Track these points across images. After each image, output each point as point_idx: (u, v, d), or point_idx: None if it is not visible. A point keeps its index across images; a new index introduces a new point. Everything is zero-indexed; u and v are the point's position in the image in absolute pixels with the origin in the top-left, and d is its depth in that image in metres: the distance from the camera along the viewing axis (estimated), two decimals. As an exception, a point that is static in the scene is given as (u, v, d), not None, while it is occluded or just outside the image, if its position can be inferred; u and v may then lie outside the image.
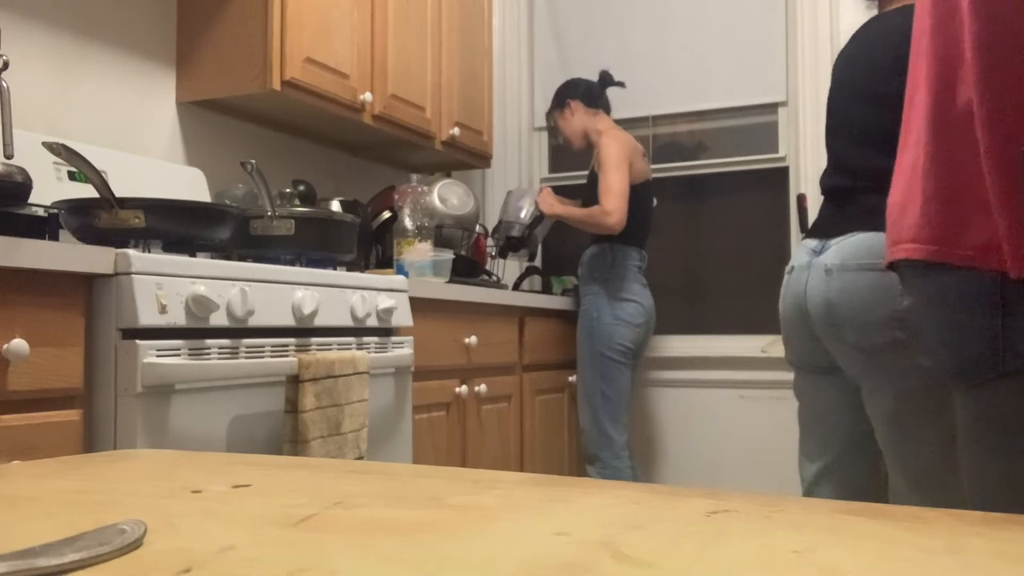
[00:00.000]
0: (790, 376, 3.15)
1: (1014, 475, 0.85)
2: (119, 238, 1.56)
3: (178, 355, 1.46)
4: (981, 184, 0.84)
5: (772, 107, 3.32)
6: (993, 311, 0.83)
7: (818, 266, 1.56)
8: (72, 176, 1.97)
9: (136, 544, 0.39)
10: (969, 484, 0.90)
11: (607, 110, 2.99)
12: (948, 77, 0.89)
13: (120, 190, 1.66)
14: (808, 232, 1.66)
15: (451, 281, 2.50)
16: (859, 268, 1.52)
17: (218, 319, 1.53)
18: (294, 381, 1.64)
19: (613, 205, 2.65)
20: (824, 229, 1.60)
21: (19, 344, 1.25)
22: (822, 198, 1.70)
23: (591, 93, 2.96)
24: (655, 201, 3.00)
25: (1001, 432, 0.85)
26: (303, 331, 1.77)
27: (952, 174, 0.89)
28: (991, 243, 0.83)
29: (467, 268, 2.82)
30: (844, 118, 1.65)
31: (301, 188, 2.47)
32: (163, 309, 1.43)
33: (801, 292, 1.59)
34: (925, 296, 0.91)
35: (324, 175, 2.97)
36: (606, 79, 3.02)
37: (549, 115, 3.06)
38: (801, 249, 1.64)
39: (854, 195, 1.57)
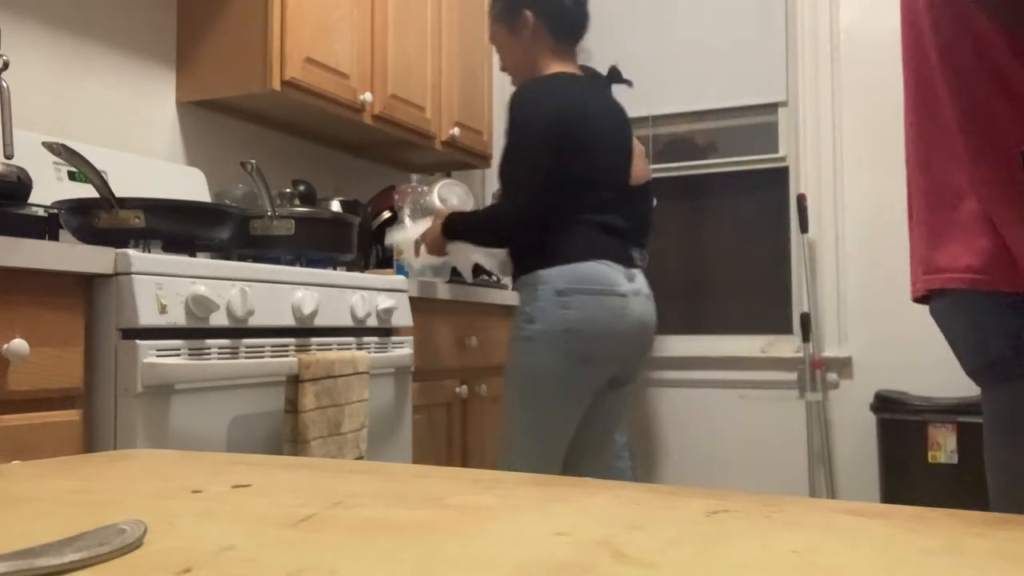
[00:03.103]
0: (790, 376, 3.16)
1: None
2: (119, 238, 1.56)
3: (178, 355, 1.46)
4: (960, 205, 0.85)
5: (772, 107, 3.32)
6: (1013, 312, 0.84)
7: (641, 293, 1.95)
8: (72, 176, 1.97)
9: (136, 544, 0.39)
10: (991, 481, 0.90)
11: None
12: (927, 100, 0.90)
13: (120, 190, 1.65)
14: (608, 256, 1.90)
15: (451, 281, 2.50)
16: (652, 298, 2.02)
17: (218, 319, 1.53)
18: (294, 381, 1.64)
19: None
20: (624, 259, 1.94)
21: (19, 344, 1.25)
22: (605, 230, 1.94)
23: None
24: (655, 201, 3.00)
25: (1021, 429, 0.86)
26: (303, 331, 1.77)
27: (933, 197, 0.90)
28: (982, 265, 0.84)
29: (467, 268, 2.81)
30: (624, 167, 2.04)
31: (301, 188, 2.47)
32: (163, 309, 1.43)
33: (642, 314, 1.93)
34: (950, 300, 0.91)
35: (324, 175, 2.97)
36: (614, 75, 3.00)
37: None
38: (618, 273, 1.90)
39: (631, 234, 2.01)
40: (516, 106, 1.87)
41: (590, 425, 2.01)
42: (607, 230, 1.91)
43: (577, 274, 1.84)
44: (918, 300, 0.99)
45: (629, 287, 1.90)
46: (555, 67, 1.98)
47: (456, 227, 1.98)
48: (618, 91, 3.04)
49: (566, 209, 1.88)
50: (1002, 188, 0.83)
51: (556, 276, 1.85)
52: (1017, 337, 0.84)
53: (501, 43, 2.05)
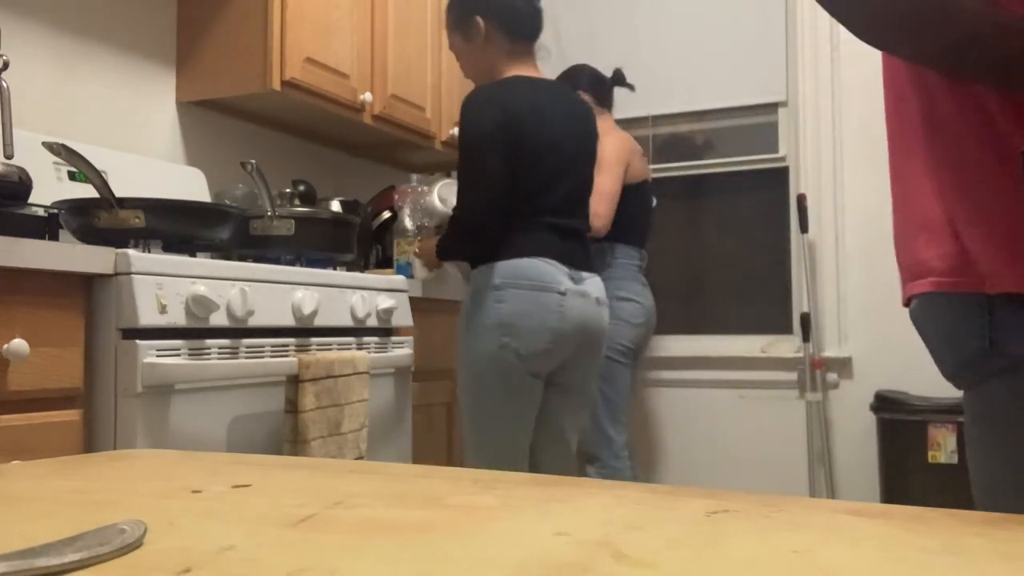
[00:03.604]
0: (790, 376, 3.17)
1: (1010, 471, 0.86)
2: (119, 238, 1.56)
3: (178, 355, 1.46)
4: (927, 211, 0.88)
5: (772, 107, 3.32)
6: (979, 313, 0.85)
7: (588, 296, 1.95)
8: (72, 176, 1.97)
9: (136, 544, 0.39)
10: (973, 482, 0.91)
11: (610, 109, 2.97)
12: (900, 107, 0.92)
13: (120, 190, 1.66)
14: (553, 256, 1.90)
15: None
16: (606, 303, 2.03)
17: (218, 319, 1.53)
18: (294, 381, 1.64)
19: (602, 208, 2.64)
20: (573, 260, 1.94)
21: (19, 344, 1.25)
22: (553, 231, 1.92)
23: (600, 90, 2.92)
24: (655, 201, 3.00)
25: (994, 430, 0.87)
26: (303, 331, 1.77)
27: (906, 201, 0.93)
28: (947, 267, 0.87)
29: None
30: (584, 171, 2.02)
31: (301, 188, 2.47)
32: (163, 309, 1.43)
33: (585, 316, 1.93)
34: (922, 304, 0.93)
35: (324, 175, 2.97)
36: (619, 78, 2.99)
37: None
38: (557, 272, 1.89)
39: (586, 238, 2.02)
40: (465, 113, 1.89)
41: (539, 430, 2.02)
42: (558, 232, 1.92)
43: (514, 269, 1.86)
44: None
45: (571, 287, 1.90)
46: (512, 70, 2.00)
47: (441, 250, 2.01)
48: (618, 92, 3.05)
49: (518, 211, 1.89)
50: (962, 194, 0.85)
51: (494, 271, 1.88)
52: (984, 338, 0.85)
53: (459, 52, 2.09)
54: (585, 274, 1.96)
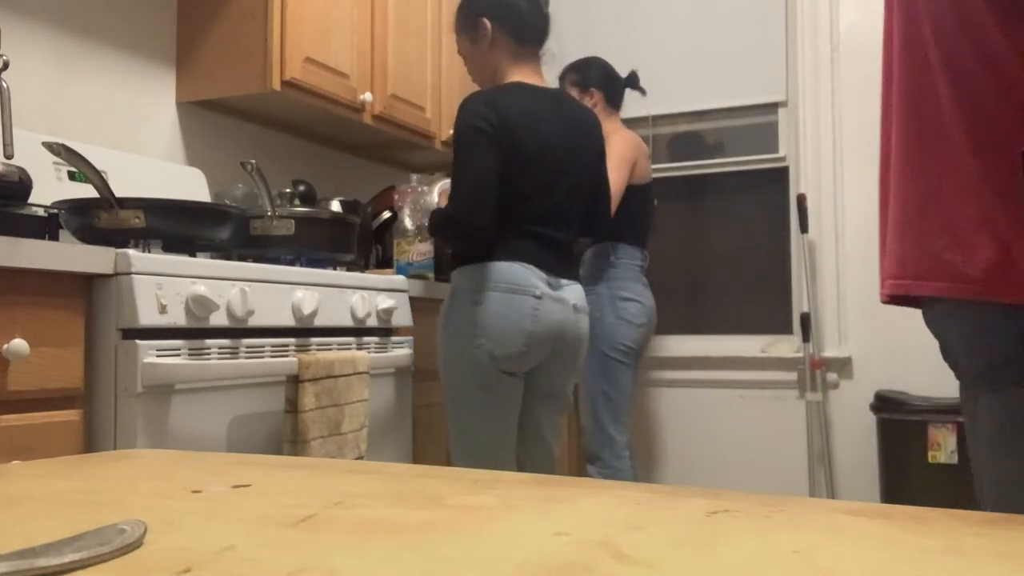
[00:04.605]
0: (790, 376, 3.17)
1: None
2: (119, 238, 1.56)
3: (178, 355, 1.46)
4: (959, 211, 0.86)
5: (772, 107, 3.32)
6: (1017, 315, 0.83)
7: (565, 302, 1.95)
8: (72, 176, 1.97)
9: (136, 544, 0.39)
10: (989, 486, 0.90)
11: (618, 109, 2.94)
12: (923, 103, 0.90)
13: (120, 190, 1.66)
14: (531, 261, 1.90)
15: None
16: (585, 311, 2.03)
17: (218, 319, 1.53)
18: (294, 381, 1.64)
19: None
20: (553, 268, 1.94)
21: (19, 344, 1.25)
22: (535, 239, 1.92)
23: (611, 89, 2.88)
24: (655, 201, 3.00)
25: (1022, 434, 0.86)
26: (303, 331, 1.77)
27: (924, 204, 0.90)
28: (984, 275, 0.85)
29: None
30: (581, 183, 2.00)
31: (301, 188, 2.47)
32: (163, 309, 1.43)
33: (561, 322, 1.93)
34: (949, 307, 0.91)
35: (324, 175, 2.97)
36: (633, 80, 2.97)
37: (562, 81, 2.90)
38: (533, 276, 1.89)
39: (572, 249, 2.02)
40: (460, 118, 1.89)
41: (519, 433, 2.03)
42: (538, 240, 1.92)
43: (491, 272, 1.87)
44: (892, 301, 0.99)
45: (547, 291, 1.90)
46: (515, 74, 1.99)
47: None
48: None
49: (502, 216, 1.89)
50: (1009, 199, 0.83)
51: (472, 273, 1.89)
52: (1020, 340, 0.83)
53: (466, 55, 2.09)
54: (564, 281, 1.96)
